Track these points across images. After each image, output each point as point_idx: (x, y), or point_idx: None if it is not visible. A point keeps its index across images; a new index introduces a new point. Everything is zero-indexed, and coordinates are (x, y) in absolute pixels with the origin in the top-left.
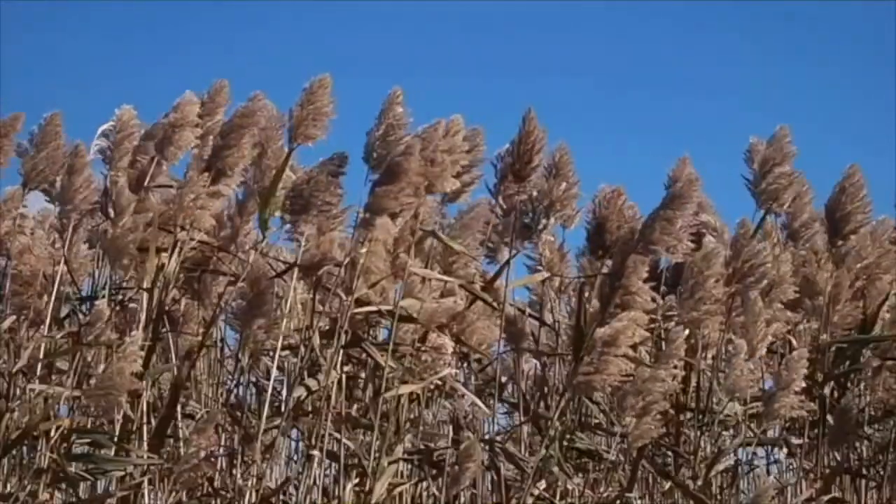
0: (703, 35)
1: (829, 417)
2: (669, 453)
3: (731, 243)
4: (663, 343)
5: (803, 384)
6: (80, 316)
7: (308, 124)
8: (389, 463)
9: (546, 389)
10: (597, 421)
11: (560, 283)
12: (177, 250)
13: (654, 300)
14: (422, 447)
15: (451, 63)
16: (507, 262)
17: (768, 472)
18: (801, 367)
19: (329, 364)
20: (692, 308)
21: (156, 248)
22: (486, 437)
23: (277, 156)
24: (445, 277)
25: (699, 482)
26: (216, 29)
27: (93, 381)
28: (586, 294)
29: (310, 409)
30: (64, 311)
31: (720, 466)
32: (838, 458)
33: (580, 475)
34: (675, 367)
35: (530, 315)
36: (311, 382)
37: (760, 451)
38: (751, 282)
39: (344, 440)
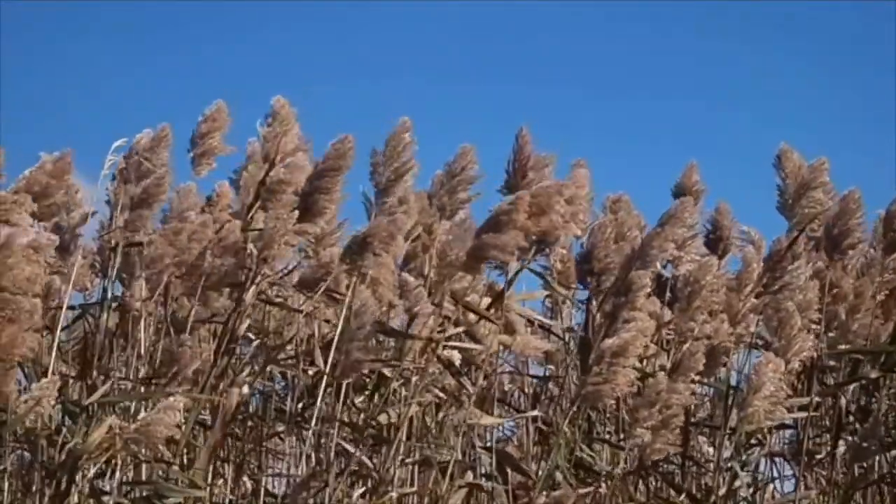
0: (705, 37)
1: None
2: (675, 463)
3: (765, 259)
4: (669, 354)
5: (773, 388)
6: (89, 321)
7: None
8: (459, 487)
9: (552, 397)
10: (606, 433)
11: (573, 293)
12: (255, 282)
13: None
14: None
15: (449, 66)
16: (515, 275)
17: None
18: (770, 370)
19: (414, 392)
20: (690, 318)
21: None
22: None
23: None
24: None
25: (721, 492)
26: (218, 29)
27: (132, 426)
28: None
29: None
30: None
31: (738, 482)
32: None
33: (586, 487)
34: (694, 381)
35: (540, 325)
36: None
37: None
38: (782, 298)
39: (356, 451)
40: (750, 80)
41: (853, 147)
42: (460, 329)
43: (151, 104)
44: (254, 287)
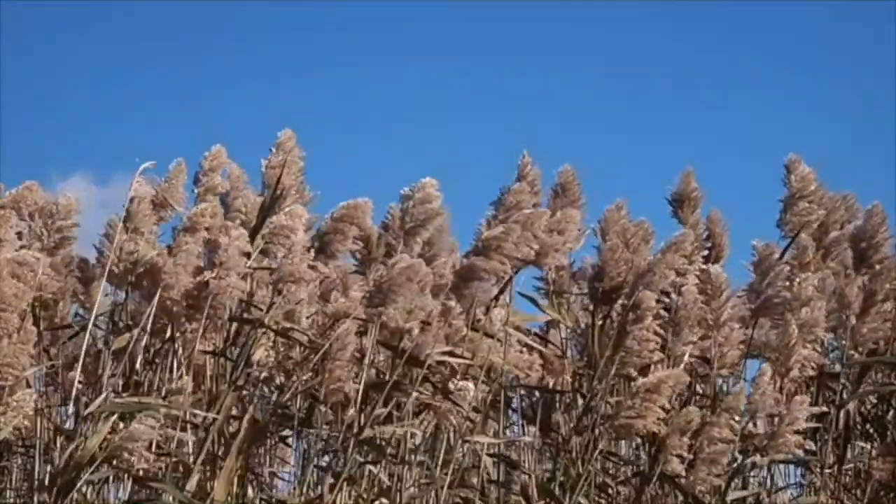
0: (706, 40)
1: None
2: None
3: (755, 266)
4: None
5: (804, 425)
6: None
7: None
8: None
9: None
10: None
11: (568, 303)
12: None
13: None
14: None
15: (447, 66)
16: (501, 292)
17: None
18: (802, 408)
19: (406, 412)
20: (682, 342)
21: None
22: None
23: None
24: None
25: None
26: (220, 29)
27: (117, 437)
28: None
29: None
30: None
31: (735, 494)
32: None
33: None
34: (737, 420)
35: (536, 335)
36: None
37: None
38: (778, 302)
39: (370, 467)
40: (748, 82)
41: (853, 148)
42: (446, 348)
43: (153, 104)
44: (270, 314)
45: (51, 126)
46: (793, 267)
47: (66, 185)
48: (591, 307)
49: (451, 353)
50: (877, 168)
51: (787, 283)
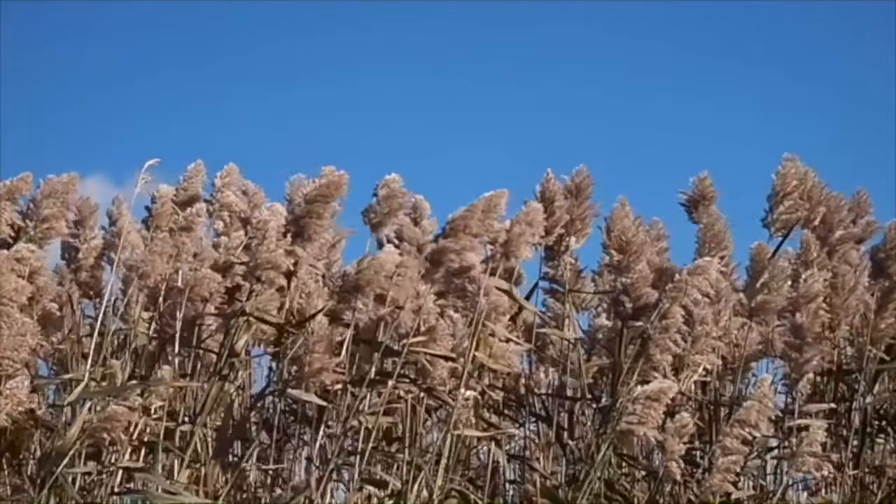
0: (707, 41)
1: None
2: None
3: (748, 268)
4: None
5: (820, 446)
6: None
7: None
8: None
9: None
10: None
11: (581, 301)
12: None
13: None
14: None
15: (451, 65)
16: (536, 286)
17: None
18: (821, 429)
19: (382, 402)
20: (697, 352)
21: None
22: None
23: None
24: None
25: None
26: (221, 30)
27: (95, 419)
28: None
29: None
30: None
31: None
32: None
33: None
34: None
35: (552, 332)
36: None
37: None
38: (770, 300)
39: (381, 473)
40: (750, 83)
41: (853, 149)
42: (421, 338)
43: (172, 103)
44: (252, 301)
45: (68, 126)
46: (797, 265)
47: (85, 186)
48: (616, 320)
49: (440, 355)
50: (877, 168)
51: (790, 283)
